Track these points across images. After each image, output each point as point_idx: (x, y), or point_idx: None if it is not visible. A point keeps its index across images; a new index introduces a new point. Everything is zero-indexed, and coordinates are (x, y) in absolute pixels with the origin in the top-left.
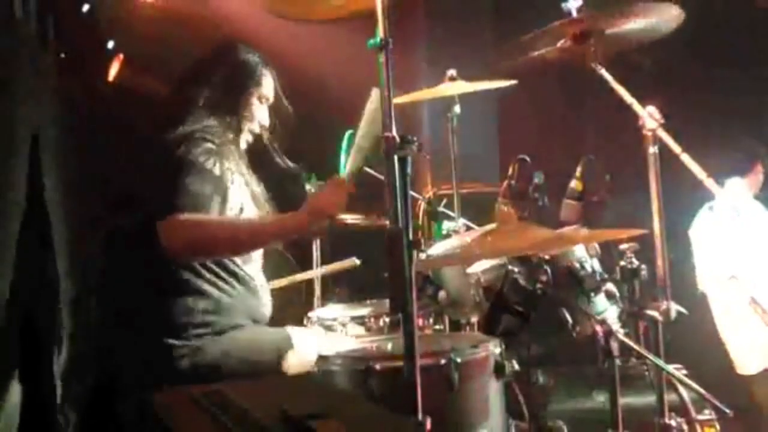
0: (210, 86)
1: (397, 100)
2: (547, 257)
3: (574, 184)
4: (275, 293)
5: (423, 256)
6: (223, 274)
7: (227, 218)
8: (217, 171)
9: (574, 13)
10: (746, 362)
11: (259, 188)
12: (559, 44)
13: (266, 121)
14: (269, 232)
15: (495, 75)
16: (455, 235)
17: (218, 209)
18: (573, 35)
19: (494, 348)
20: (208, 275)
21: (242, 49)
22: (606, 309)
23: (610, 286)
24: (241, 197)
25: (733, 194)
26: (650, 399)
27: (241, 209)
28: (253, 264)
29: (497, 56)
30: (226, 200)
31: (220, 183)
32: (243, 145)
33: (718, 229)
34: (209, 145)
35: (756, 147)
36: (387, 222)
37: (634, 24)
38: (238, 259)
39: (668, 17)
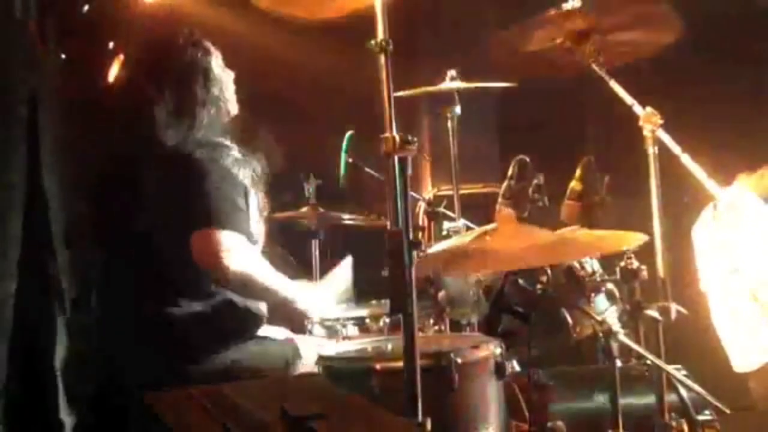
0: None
1: (397, 94)
2: None
3: (574, 184)
4: None
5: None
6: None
7: (265, 272)
8: (246, 181)
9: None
10: (742, 359)
11: (258, 182)
12: (558, 40)
13: (233, 97)
14: (280, 304)
15: (495, 68)
16: (455, 235)
17: (247, 220)
18: (572, 33)
19: (494, 349)
20: (194, 280)
21: (179, 46)
22: (606, 309)
23: (610, 287)
24: (253, 206)
25: (735, 193)
26: (650, 399)
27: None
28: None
29: (495, 47)
30: (249, 209)
31: (247, 193)
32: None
33: (721, 228)
34: (236, 153)
35: None
36: (387, 222)
37: (633, 32)
38: None
39: (667, 27)
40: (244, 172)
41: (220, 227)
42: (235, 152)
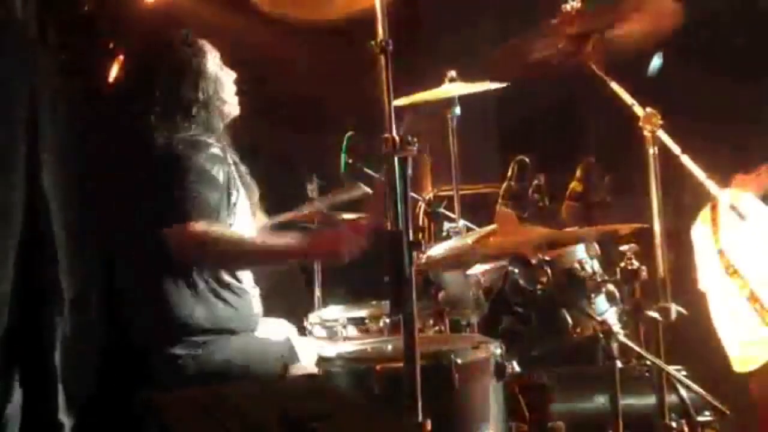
0: (171, 89)
1: (398, 102)
2: (547, 258)
3: (575, 185)
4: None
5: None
6: (219, 282)
7: (238, 236)
8: (221, 178)
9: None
10: (743, 359)
11: (251, 185)
12: (559, 46)
13: (234, 99)
14: (274, 257)
15: (494, 78)
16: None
17: (224, 216)
18: (572, 36)
19: (495, 349)
20: (204, 282)
21: (173, 45)
22: (606, 310)
23: (610, 287)
24: (240, 200)
25: (734, 193)
26: (650, 400)
27: (238, 211)
28: (246, 272)
29: (495, 59)
30: (229, 205)
31: (224, 189)
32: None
33: (720, 228)
34: (213, 150)
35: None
36: (387, 223)
37: (632, 23)
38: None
39: (666, 15)
40: (221, 168)
41: (188, 221)
42: (215, 149)
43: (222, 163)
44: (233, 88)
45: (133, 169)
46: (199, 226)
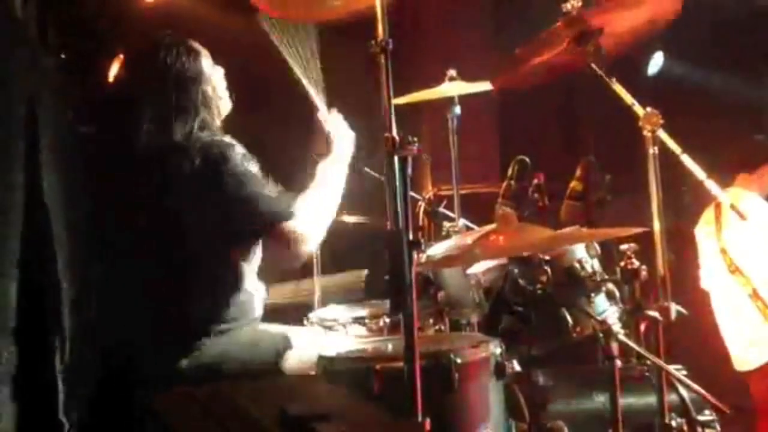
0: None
1: (397, 100)
2: (547, 257)
3: (575, 184)
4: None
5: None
6: (221, 278)
7: (316, 196)
8: (254, 170)
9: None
10: (744, 358)
11: None
12: (562, 47)
13: (226, 94)
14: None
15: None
16: (455, 235)
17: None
18: (573, 36)
19: (494, 349)
20: (207, 279)
21: (163, 52)
22: (606, 309)
23: (610, 287)
24: None
25: (738, 193)
26: (650, 399)
27: None
28: (250, 266)
29: (498, 70)
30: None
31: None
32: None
33: (723, 227)
34: (240, 149)
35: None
36: (387, 223)
37: (632, 15)
38: (237, 263)
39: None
40: (253, 164)
41: (280, 221)
42: (240, 148)
43: (251, 160)
44: (224, 84)
45: (146, 170)
46: (291, 224)
